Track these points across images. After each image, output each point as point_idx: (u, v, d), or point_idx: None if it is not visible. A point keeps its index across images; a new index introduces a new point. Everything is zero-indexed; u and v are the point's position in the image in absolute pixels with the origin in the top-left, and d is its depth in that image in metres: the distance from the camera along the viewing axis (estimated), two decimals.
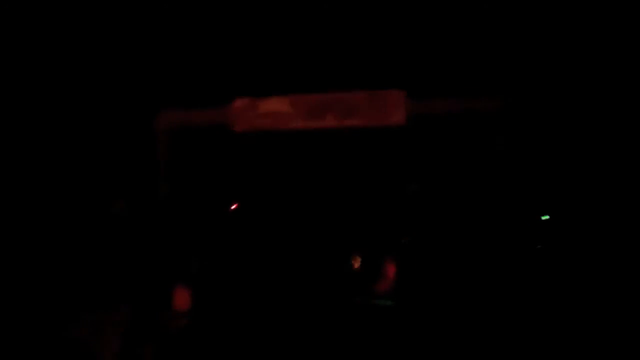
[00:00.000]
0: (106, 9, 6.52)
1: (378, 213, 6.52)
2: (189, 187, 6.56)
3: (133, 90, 6.60)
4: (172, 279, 5.88)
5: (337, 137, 6.57)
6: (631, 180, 5.92)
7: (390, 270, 5.99)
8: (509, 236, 6.16)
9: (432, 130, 6.48)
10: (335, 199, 6.66)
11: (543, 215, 6.12)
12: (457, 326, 5.53)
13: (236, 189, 6.63)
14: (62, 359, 5.29)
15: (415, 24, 6.48)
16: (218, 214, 6.49)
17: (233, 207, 6.44)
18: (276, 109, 6.58)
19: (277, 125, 6.58)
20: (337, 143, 6.62)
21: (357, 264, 6.23)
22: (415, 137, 6.46)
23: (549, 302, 5.56)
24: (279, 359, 5.52)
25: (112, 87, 6.52)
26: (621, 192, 5.87)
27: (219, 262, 6.12)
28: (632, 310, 5.29)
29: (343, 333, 5.69)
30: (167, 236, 5.87)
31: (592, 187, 6.06)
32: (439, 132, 6.50)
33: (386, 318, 5.70)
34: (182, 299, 5.85)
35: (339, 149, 6.65)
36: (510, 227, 6.24)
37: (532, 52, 6.13)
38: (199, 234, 6.24)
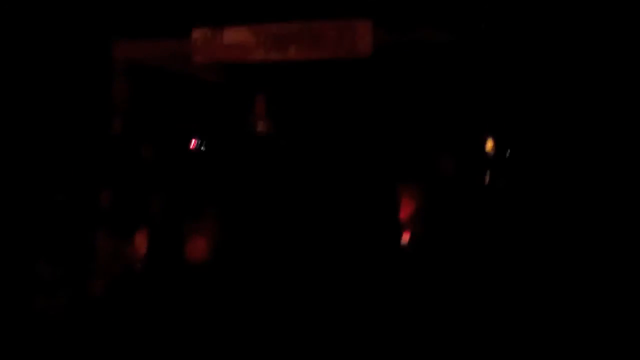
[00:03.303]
0: None
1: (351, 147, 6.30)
2: (146, 122, 6.32)
3: (85, 18, 6.29)
4: (129, 219, 5.71)
5: (302, 68, 6.32)
6: (594, 113, 5.77)
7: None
8: (479, 166, 6.04)
9: (400, 61, 6.24)
10: (303, 133, 6.44)
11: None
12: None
13: (197, 125, 6.40)
14: None
15: None
16: (179, 151, 6.26)
17: (193, 144, 6.21)
18: (237, 40, 6.32)
19: (238, 57, 6.33)
20: (301, 75, 6.37)
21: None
22: (382, 68, 6.22)
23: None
24: (246, 310, 5.37)
25: (61, 13, 6.21)
26: (587, 128, 5.72)
27: (183, 202, 5.91)
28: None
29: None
30: (121, 175, 5.68)
31: (561, 122, 5.91)
32: (406, 63, 6.26)
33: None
34: (140, 242, 5.69)
35: (303, 81, 6.41)
36: (480, 159, 6.11)
37: None
38: (158, 172, 6.03)
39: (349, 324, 5.29)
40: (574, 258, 5.35)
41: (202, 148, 6.24)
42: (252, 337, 5.29)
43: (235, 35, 6.30)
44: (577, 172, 5.64)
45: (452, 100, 6.17)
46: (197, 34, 6.31)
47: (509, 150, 6.00)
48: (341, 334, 5.26)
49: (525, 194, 5.73)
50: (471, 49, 6.03)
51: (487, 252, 5.50)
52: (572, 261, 5.34)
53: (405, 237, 5.60)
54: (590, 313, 5.08)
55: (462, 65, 6.14)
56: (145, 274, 5.62)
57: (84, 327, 5.22)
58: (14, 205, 5.82)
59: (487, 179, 6.12)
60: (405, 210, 5.63)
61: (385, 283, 5.37)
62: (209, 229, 5.78)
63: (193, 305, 5.27)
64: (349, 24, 6.18)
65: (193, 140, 6.23)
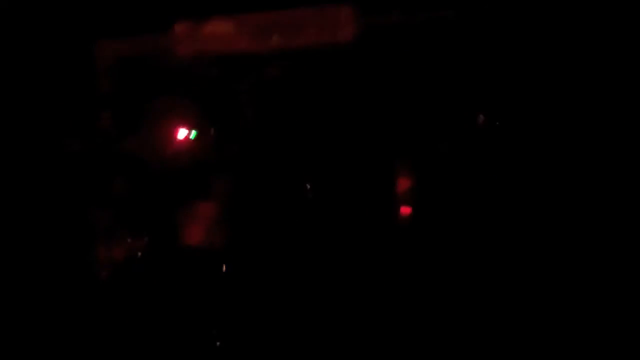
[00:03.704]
0: None
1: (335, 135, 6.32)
2: (133, 118, 6.31)
3: (67, 18, 6.28)
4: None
5: (285, 58, 6.33)
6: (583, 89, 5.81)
7: None
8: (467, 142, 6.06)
9: (382, 46, 6.26)
10: (290, 123, 6.45)
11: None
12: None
13: (183, 118, 6.39)
14: None
15: None
16: (164, 145, 6.25)
17: (181, 134, 6.20)
18: (219, 31, 6.32)
19: (221, 48, 6.33)
20: (285, 64, 6.38)
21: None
22: (364, 53, 6.24)
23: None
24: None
25: (44, 15, 6.20)
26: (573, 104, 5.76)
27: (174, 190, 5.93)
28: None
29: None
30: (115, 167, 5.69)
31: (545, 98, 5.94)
32: (389, 48, 6.28)
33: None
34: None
35: (287, 70, 6.41)
36: (469, 135, 6.13)
37: None
38: (145, 168, 6.03)
39: (349, 308, 5.32)
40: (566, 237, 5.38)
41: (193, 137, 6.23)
42: (251, 325, 5.31)
43: (217, 27, 6.31)
44: (571, 151, 5.68)
45: (442, 79, 6.20)
46: (179, 28, 6.31)
47: (498, 125, 6.02)
48: (342, 320, 5.29)
49: (515, 168, 5.77)
50: (457, 28, 6.07)
51: (483, 230, 5.54)
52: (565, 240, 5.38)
53: (404, 212, 5.63)
54: (584, 304, 5.11)
55: (451, 44, 6.17)
56: (145, 261, 5.63)
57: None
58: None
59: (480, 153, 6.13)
60: (402, 186, 5.66)
61: (384, 261, 5.40)
62: (206, 215, 5.81)
63: (192, 293, 5.29)
64: (330, 11, 6.22)
65: (182, 131, 6.22)
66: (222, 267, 5.52)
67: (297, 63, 6.30)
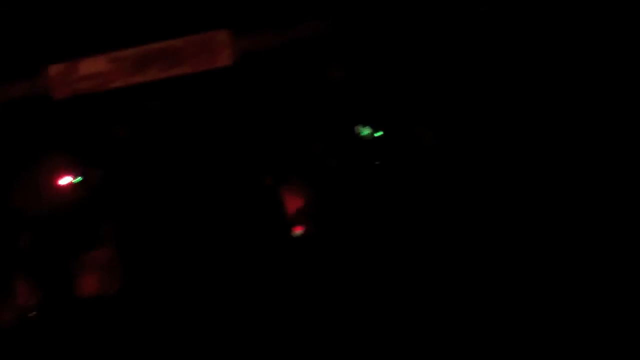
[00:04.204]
0: None
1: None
2: (14, 167, 6.10)
3: None
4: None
5: (166, 87, 6.22)
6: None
7: None
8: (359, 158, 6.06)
9: (262, 66, 6.23)
10: (181, 152, 6.34)
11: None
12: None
13: (69, 160, 6.21)
14: None
15: None
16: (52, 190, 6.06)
17: (64, 180, 6.02)
18: (96, 70, 6.18)
19: (99, 87, 6.19)
20: (165, 94, 6.27)
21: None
22: (245, 75, 6.19)
23: None
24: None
25: None
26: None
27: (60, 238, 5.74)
28: None
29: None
30: None
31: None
32: (269, 67, 6.25)
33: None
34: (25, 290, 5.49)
35: (169, 99, 6.31)
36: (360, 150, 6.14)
37: None
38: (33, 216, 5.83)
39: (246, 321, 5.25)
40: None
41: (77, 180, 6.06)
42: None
43: (93, 66, 6.16)
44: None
45: (322, 96, 6.20)
46: (53, 71, 6.14)
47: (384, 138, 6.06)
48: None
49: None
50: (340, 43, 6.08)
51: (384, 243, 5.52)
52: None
53: (297, 231, 5.59)
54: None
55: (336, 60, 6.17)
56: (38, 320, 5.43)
57: None
58: None
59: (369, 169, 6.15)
60: (292, 206, 5.61)
61: (274, 278, 5.35)
62: (99, 261, 5.65)
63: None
64: (206, 37, 6.15)
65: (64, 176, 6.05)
66: (117, 312, 5.37)
67: (178, 92, 6.22)
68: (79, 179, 6.12)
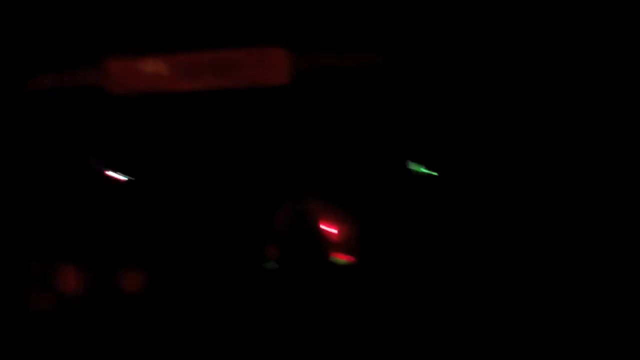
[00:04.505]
0: None
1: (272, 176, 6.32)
2: (65, 155, 6.23)
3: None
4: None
5: (220, 97, 6.30)
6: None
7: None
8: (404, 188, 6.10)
9: (317, 87, 6.27)
10: (226, 163, 6.43)
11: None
12: None
13: (116, 156, 6.33)
14: None
15: None
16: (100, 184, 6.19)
17: (111, 173, 6.14)
18: (153, 70, 6.25)
19: (154, 87, 6.26)
20: (219, 104, 6.35)
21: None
22: (300, 95, 6.24)
23: None
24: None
25: None
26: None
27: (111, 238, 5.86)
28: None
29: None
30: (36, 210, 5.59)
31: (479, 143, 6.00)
32: (323, 88, 6.30)
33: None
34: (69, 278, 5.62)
35: (222, 110, 6.39)
36: (400, 178, 6.17)
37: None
38: (80, 206, 5.95)
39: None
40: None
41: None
42: None
43: (149, 66, 6.23)
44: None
45: (375, 122, 6.24)
46: (111, 65, 6.23)
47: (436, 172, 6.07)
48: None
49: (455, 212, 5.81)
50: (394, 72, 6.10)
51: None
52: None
53: (343, 259, 5.65)
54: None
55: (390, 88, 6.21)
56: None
57: None
58: None
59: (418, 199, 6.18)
60: (337, 233, 5.67)
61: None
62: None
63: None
64: (265, 52, 6.19)
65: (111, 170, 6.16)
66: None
67: (230, 102, 6.29)
68: (126, 177, 6.23)
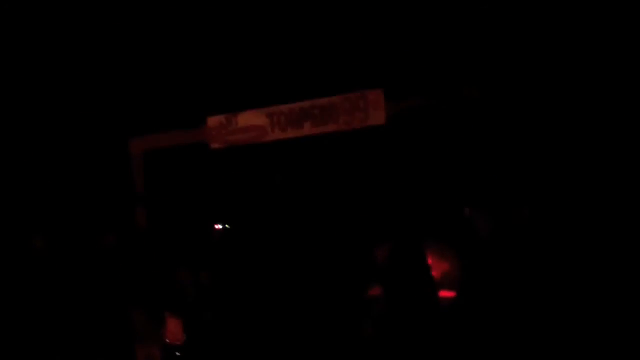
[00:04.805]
0: (77, 33, 6.39)
1: (368, 215, 6.32)
2: (169, 210, 6.37)
3: (105, 116, 6.43)
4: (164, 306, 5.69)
5: (317, 143, 6.40)
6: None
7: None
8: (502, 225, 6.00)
9: (413, 126, 6.32)
10: (325, 206, 6.48)
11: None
12: None
13: (220, 207, 6.45)
14: None
15: (385, 23, 6.34)
16: (204, 235, 6.29)
17: (217, 227, 6.24)
18: (252, 123, 6.42)
19: (254, 139, 6.42)
20: (318, 149, 6.45)
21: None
22: (397, 135, 6.30)
23: None
24: None
25: (83, 114, 6.35)
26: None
27: (215, 286, 5.91)
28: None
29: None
30: (151, 263, 5.68)
31: (574, 178, 5.91)
32: (419, 128, 6.34)
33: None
34: (174, 329, 5.66)
35: (320, 155, 6.48)
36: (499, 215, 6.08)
37: (505, 42, 6.00)
38: (187, 258, 6.04)
39: None
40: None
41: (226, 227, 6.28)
42: None
43: (249, 119, 6.41)
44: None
45: (481, 162, 6.21)
46: (212, 122, 6.42)
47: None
48: None
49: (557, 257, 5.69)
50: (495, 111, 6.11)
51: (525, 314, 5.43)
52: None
53: (444, 297, 5.55)
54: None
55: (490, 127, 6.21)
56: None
57: None
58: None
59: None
60: (438, 270, 5.59)
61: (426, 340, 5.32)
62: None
63: None
64: (360, 95, 6.30)
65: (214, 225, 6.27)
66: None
67: (331, 148, 6.38)
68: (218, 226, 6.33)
